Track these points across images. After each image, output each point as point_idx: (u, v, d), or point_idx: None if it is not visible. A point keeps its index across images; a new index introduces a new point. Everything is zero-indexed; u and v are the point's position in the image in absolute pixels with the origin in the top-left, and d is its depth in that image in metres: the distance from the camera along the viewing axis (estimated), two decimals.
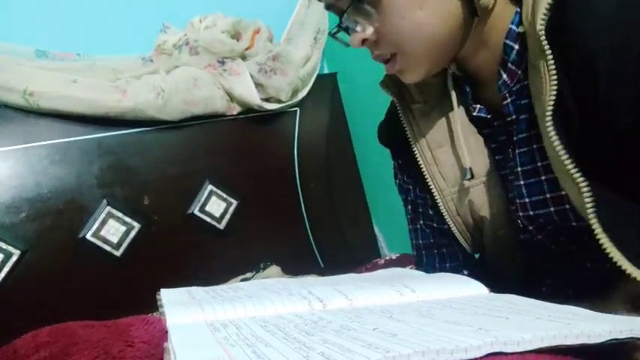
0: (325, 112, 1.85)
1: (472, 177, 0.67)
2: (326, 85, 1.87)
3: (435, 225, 0.77)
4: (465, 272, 0.75)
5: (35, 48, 1.43)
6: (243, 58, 1.62)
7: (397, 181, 0.84)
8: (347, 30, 0.64)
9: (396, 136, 0.76)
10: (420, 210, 0.79)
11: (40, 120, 1.37)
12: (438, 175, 0.71)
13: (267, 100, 1.66)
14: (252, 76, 1.58)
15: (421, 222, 0.79)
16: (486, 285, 0.58)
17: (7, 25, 1.47)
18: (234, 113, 1.62)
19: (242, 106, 1.62)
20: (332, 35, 0.67)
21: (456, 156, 0.70)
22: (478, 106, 0.67)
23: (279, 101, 1.68)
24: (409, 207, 0.82)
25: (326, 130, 1.83)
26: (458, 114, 0.68)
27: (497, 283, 0.66)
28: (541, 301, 0.49)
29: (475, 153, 0.68)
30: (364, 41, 0.63)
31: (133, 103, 1.41)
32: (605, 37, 0.49)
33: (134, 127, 1.48)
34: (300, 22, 1.86)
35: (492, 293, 0.56)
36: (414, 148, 0.73)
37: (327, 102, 1.86)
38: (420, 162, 0.72)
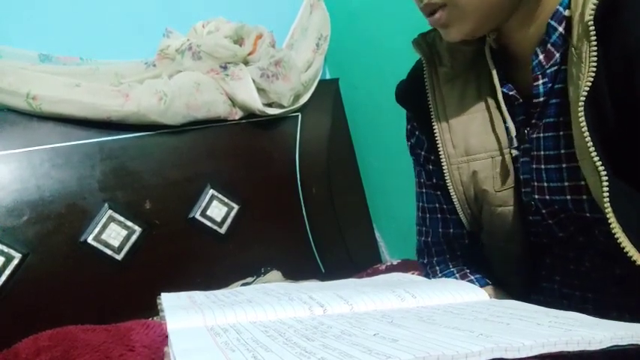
0: (327, 118, 1.85)
1: (516, 145, 0.65)
2: (328, 91, 1.88)
3: (441, 191, 0.77)
4: (466, 242, 0.76)
5: (38, 52, 1.44)
6: (246, 63, 1.62)
7: (409, 143, 0.84)
8: None
9: (415, 98, 0.76)
10: (428, 174, 0.79)
11: (42, 124, 1.38)
12: (450, 142, 0.71)
13: (269, 105, 1.66)
14: (254, 81, 1.58)
15: (429, 185, 0.79)
16: (487, 272, 0.57)
17: (10, 29, 1.48)
18: (236, 118, 1.62)
19: (244, 111, 1.63)
20: None
21: (466, 127, 0.69)
22: (506, 85, 0.66)
23: (281, 106, 1.68)
24: (418, 169, 0.82)
25: (327, 136, 1.83)
26: (496, 83, 0.66)
27: (497, 274, 0.66)
28: (542, 307, 0.49)
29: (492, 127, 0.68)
30: None
31: (136, 107, 1.41)
32: None
33: (136, 131, 1.48)
34: (303, 27, 1.87)
35: (493, 299, 0.56)
36: (432, 113, 0.72)
37: (329, 107, 1.87)
38: (435, 127, 0.72)
